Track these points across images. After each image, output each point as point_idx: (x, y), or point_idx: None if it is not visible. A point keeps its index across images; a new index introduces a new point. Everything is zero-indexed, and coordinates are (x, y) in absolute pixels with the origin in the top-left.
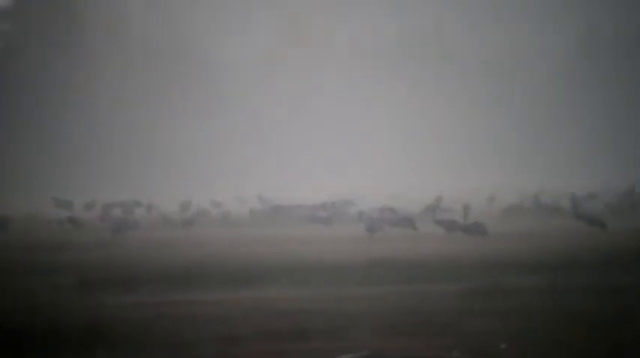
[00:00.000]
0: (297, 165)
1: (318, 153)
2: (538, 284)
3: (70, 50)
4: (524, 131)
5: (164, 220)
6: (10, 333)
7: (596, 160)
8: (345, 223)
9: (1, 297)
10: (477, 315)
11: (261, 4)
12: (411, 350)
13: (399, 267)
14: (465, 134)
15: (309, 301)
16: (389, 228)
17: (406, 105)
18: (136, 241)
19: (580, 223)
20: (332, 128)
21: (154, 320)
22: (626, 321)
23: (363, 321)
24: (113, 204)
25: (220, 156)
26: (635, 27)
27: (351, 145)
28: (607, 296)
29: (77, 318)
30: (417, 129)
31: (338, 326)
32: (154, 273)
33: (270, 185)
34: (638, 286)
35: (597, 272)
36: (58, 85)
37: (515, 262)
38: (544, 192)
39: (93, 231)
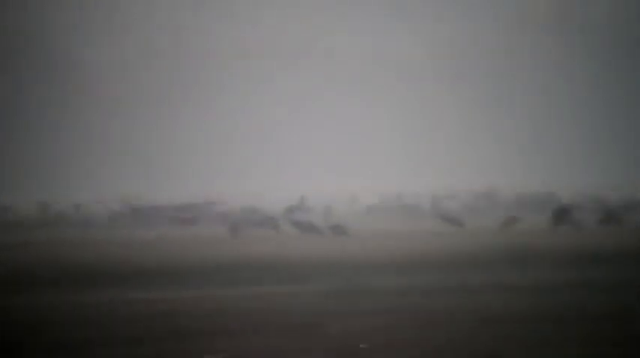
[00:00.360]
0: (163, 164)
1: (174, 154)
2: (400, 284)
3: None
4: (382, 134)
5: (21, 222)
6: None
7: (455, 162)
8: (209, 224)
9: None
10: (339, 315)
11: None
12: (272, 352)
13: (261, 268)
14: (329, 137)
15: (170, 302)
16: (252, 229)
17: (272, 107)
18: None
19: (439, 223)
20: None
21: None
22: (482, 320)
23: (227, 322)
24: None
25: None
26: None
27: (219, 147)
28: (464, 295)
29: None
30: (279, 132)
31: (199, 327)
32: None
33: (133, 187)
34: (495, 284)
35: (455, 271)
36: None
37: (377, 262)
38: (405, 193)
39: None
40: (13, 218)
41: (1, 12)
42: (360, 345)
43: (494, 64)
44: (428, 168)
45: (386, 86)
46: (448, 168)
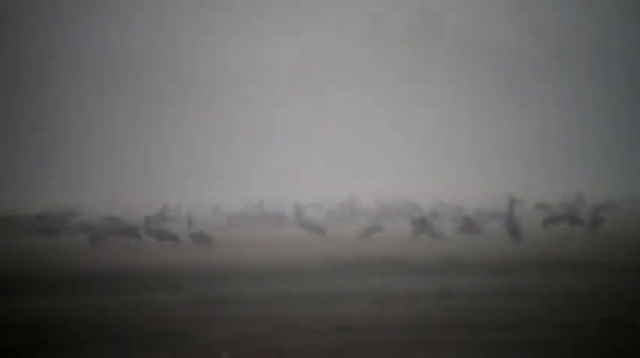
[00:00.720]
0: (22, 173)
1: (35, 164)
2: (264, 292)
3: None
4: (243, 142)
5: None
6: None
7: (318, 170)
8: (69, 233)
9: None
10: (203, 324)
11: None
12: None
13: (122, 277)
14: (189, 147)
15: (28, 313)
16: (114, 238)
17: (126, 118)
18: None
19: (303, 231)
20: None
21: None
22: (339, 328)
23: (86, 333)
24: None
25: None
26: None
27: (81, 157)
28: (330, 302)
29: None
30: (142, 140)
31: (57, 338)
32: None
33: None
34: (359, 292)
35: (318, 279)
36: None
37: (241, 270)
38: (267, 201)
39: None
40: None
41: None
42: (224, 354)
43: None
44: (291, 176)
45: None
46: (311, 176)
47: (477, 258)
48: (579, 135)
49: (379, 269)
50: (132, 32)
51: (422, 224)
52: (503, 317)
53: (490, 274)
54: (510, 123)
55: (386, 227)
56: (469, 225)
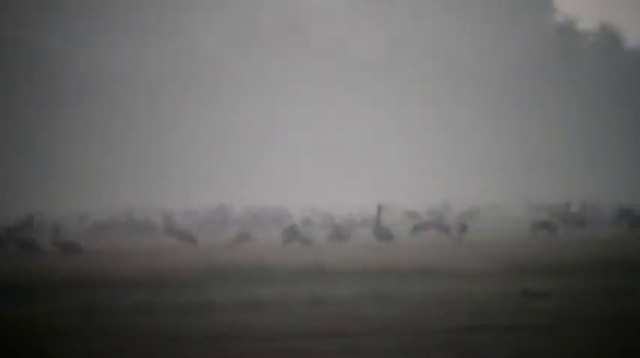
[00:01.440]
0: None
1: None
2: (132, 302)
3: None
4: (111, 149)
5: None
6: None
7: (186, 177)
8: None
9: None
10: (64, 335)
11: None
12: None
13: None
14: (53, 156)
15: None
16: None
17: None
18: None
19: (172, 238)
20: None
21: None
22: (216, 337)
23: None
24: None
25: None
26: None
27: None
28: (201, 311)
29: None
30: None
31: None
32: None
33: None
34: (231, 300)
35: (190, 287)
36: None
37: (109, 280)
38: (137, 209)
39: None
40: None
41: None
42: None
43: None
44: (161, 183)
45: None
46: (180, 183)
47: (347, 264)
48: (445, 143)
49: (250, 277)
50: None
51: (292, 232)
52: (373, 323)
53: (360, 281)
54: (376, 132)
55: (256, 235)
56: (339, 232)
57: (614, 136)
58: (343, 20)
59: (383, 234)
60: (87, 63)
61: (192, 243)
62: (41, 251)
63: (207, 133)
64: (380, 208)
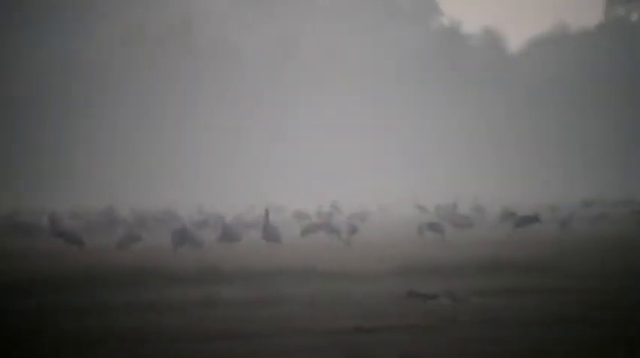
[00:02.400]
0: None
1: None
2: (18, 305)
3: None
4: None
5: None
6: None
7: (75, 179)
8: None
9: None
10: None
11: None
12: None
13: None
14: None
15: None
16: None
17: None
18: None
19: (59, 241)
20: None
21: None
22: (105, 339)
23: None
24: None
25: None
26: None
27: None
28: (89, 314)
29: None
30: None
31: None
32: None
33: None
34: (120, 303)
35: (77, 290)
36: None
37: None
38: (22, 211)
39: None
40: None
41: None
42: None
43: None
44: (47, 184)
45: None
46: (66, 185)
47: (237, 266)
48: (333, 144)
49: (139, 279)
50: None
51: (182, 233)
52: (263, 324)
53: (250, 282)
54: (263, 133)
55: (146, 237)
56: (229, 234)
57: (500, 137)
58: (229, 21)
59: (271, 235)
60: None
61: (80, 246)
62: None
63: (93, 134)
64: (267, 210)
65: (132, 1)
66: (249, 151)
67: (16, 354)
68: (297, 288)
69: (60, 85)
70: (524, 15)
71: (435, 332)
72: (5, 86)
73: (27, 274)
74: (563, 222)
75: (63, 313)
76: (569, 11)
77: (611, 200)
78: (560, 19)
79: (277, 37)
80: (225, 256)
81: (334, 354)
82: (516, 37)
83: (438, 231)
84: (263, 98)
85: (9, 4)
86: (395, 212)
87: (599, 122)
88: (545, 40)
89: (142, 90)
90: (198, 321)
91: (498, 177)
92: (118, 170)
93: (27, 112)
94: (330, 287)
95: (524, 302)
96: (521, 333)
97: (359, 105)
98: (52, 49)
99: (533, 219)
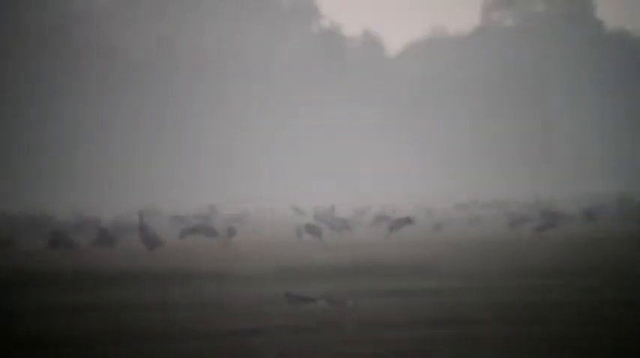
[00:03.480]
0: None
1: None
2: None
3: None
4: None
5: None
6: None
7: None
8: None
9: None
10: None
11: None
12: None
13: None
14: None
15: None
16: None
17: None
18: None
19: None
20: None
21: None
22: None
23: None
24: None
25: None
26: None
27: None
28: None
29: None
30: None
31: None
32: None
33: None
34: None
35: None
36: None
37: None
38: None
39: None
40: None
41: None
42: None
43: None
44: None
45: None
46: None
47: (114, 270)
48: (212, 146)
49: (8, 283)
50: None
51: (56, 236)
52: (142, 328)
53: (125, 286)
54: (142, 135)
55: (18, 241)
56: (105, 238)
57: (376, 139)
58: (111, 21)
59: (148, 239)
60: None
61: None
62: None
63: None
64: (141, 212)
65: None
66: (128, 154)
67: None
68: (175, 292)
69: None
70: (403, 18)
71: (314, 335)
72: None
73: None
74: (437, 224)
75: None
76: (447, 15)
77: (483, 202)
78: (439, 23)
79: (157, 38)
80: (100, 260)
81: (218, 356)
82: (395, 40)
83: (316, 234)
84: (141, 98)
85: None
86: (273, 214)
87: (473, 124)
88: (423, 43)
89: (17, 93)
90: (63, 326)
91: (375, 180)
92: None
93: None
94: (208, 289)
95: (399, 304)
96: (397, 334)
97: (232, 106)
98: None
99: (406, 221)
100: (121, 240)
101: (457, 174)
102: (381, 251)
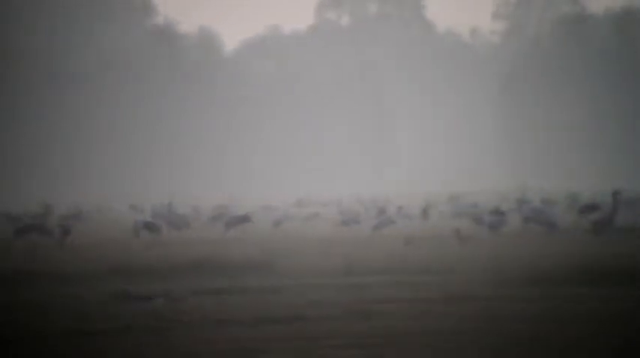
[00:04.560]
0: None
1: None
2: None
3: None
4: None
5: None
6: None
7: None
8: None
9: None
10: None
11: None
12: None
13: None
14: None
15: None
16: None
17: None
18: None
19: None
20: None
21: None
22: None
23: None
24: None
25: None
26: None
27: None
28: None
29: None
30: None
31: None
32: None
33: None
34: None
35: None
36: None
37: None
38: None
39: None
40: None
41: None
42: None
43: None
44: None
45: None
46: None
47: None
48: (40, 146)
49: None
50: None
51: None
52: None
53: None
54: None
55: None
56: None
57: (214, 136)
58: None
59: None
60: None
61: None
62: None
63: None
64: None
65: None
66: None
67: None
68: (11, 294)
69: None
70: (238, 16)
71: (155, 333)
72: None
73: None
74: (276, 221)
75: None
76: (282, 14)
77: (320, 201)
78: (274, 21)
79: None
80: None
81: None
82: (231, 38)
83: (154, 231)
84: None
85: None
86: (112, 213)
87: (306, 121)
88: (259, 41)
89: None
90: None
91: (212, 178)
92: None
93: None
94: (44, 290)
95: (238, 301)
96: (241, 331)
97: (65, 105)
98: None
99: (244, 218)
100: None
101: (296, 172)
102: (219, 248)
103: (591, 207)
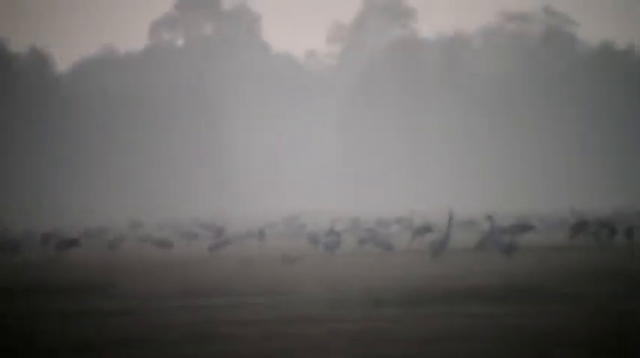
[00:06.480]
0: None
1: None
2: None
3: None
4: None
5: None
6: None
7: None
8: None
9: None
10: None
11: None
12: None
13: None
14: None
15: None
16: None
17: None
18: None
19: None
20: None
21: None
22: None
23: None
24: None
25: None
26: None
27: None
28: None
29: None
30: None
31: None
32: None
33: None
34: None
35: None
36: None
37: None
38: None
39: None
40: None
41: None
42: None
43: None
44: None
45: None
46: None
47: None
48: None
49: None
50: None
51: None
52: None
53: None
54: None
55: None
56: None
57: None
58: None
59: None
60: None
61: None
62: None
63: None
64: None
65: None
66: None
67: None
68: None
69: None
70: (71, 37)
71: None
72: None
73: None
74: (111, 243)
75: None
76: (116, 35)
77: (156, 223)
78: (109, 42)
79: None
80: None
81: None
82: (65, 58)
83: None
84: None
85: None
86: None
87: (137, 143)
88: (94, 61)
89: None
90: None
91: (47, 198)
92: None
93: None
94: None
95: (82, 325)
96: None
97: None
98: None
99: (72, 242)
100: None
101: (133, 193)
102: (52, 272)
103: (425, 229)
